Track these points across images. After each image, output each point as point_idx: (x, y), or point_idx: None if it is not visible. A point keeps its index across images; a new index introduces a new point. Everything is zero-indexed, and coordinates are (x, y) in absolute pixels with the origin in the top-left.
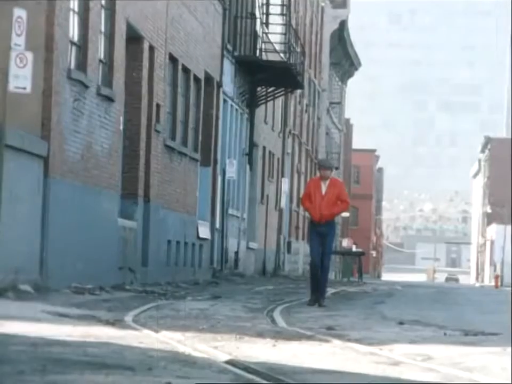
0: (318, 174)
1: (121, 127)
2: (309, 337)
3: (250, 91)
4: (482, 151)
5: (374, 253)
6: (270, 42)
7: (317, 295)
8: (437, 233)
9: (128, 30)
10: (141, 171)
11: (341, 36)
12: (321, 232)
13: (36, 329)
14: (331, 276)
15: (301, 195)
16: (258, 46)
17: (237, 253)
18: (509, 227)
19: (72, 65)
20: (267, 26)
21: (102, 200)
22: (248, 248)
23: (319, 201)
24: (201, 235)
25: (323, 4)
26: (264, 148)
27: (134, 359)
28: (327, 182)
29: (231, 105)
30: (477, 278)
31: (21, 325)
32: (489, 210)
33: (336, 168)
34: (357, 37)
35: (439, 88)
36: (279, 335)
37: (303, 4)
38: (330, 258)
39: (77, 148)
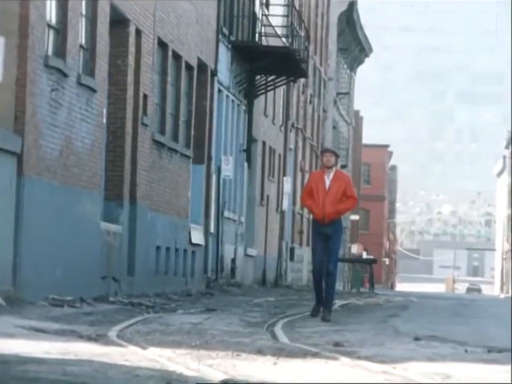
0: (320, 166)
1: (104, 120)
2: (314, 354)
3: (248, 80)
4: (507, 146)
5: (386, 261)
6: (270, 25)
7: (321, 306)
8: (457, 238)
9: (112, 12)
10: (127, 169)
11: (349, 19)
12: (325, 234)
13: (8, 346)
14: (338, 286)
15: None
16: (257, 30)
17: (233, 260)
18: None
19: (50, 52)
20: (267, 8)
21: (83, 202)
22: (246, 255)
23: (322, 197)
24: (193, 240)
25: None
26: (263, 143)
27: (119, 379)
28: (331, 174)
29: (227, 96)
30: (501, 289)
31: None
32: None
33: (344, 166)
34: (367, 19)
35: (458, 77)
36: (281, 352)
37: None
38: (336, 264)
39: (54, 143)
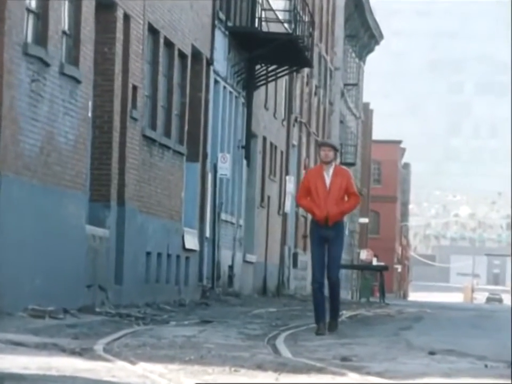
0: (318, 161)
1: (89, 114)
2: (320, 370)
3: (247, 70)
4: None
5: (399, 268)
6: (271, 9)
7: (325, 322)
8: (476, 243)
9: None
10: (114, 168)
11: (358, 2)
12: (327, 237)
13: None
14: (346, 295)
15: None
16: (257, 15)
17: (231, 267)
18: None
19: (29, 39)
20: None
21: (66, 203)
22: (245, 261)
23: (324, 197)
24: (187, 246)
25: None
26: (264, 138)
27: None
28: (331, 170)
29: (224, 87)
30: None
31: None
32: None
33: (352, 164)
34: (377, 3)
35: (477, 66)
36: (283, 367)
37: None
38: (339, 270)
39: (35, 139)
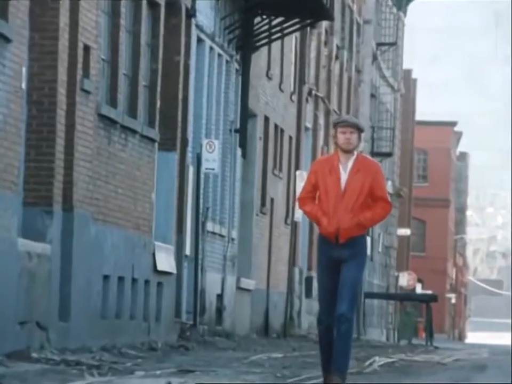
0: (333, 145)
1: (23, 85)
2: None
3: (243, 24)
4: None
5: (452, 298)
6: None
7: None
8: None
9: None
10: (58, 159)
11: None
12: (338, 259)
13: None
14: (380, 335)
15: None
16: None
17: (220, 297)
18: None
19: None
20: None
21: None
22: (239, 288)
23: (335, 201)
24: (160, 267)
25: None
26: (266, 119)
27: None
28: (350, 163)
29: (211, 48)
30: None
31: None
32: None
33: (388, 154)
34: None
35: None
36: None
37: None
38: (354, 305)
39: None
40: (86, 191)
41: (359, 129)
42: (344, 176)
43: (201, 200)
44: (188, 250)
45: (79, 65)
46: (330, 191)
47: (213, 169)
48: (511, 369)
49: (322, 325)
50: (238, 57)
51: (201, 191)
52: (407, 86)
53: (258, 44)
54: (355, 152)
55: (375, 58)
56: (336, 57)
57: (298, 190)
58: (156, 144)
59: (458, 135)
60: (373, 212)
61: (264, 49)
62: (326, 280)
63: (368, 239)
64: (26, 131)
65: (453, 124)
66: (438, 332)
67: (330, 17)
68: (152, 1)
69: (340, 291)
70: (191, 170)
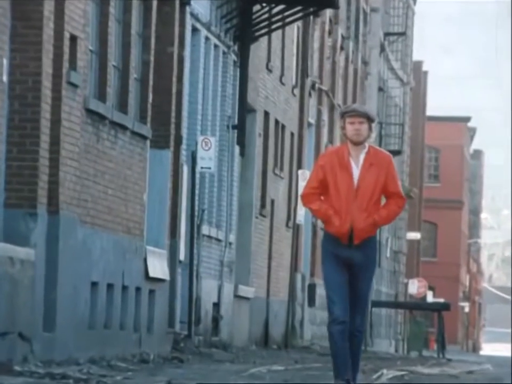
0: (341, 138)
1: (4, 78)
2: None
3: (241, 12)
4: None
5: (466, 307)
6: None
7: (352, 377)
8: None
9: None
10: (43, 157)
11: None
12: (349, 262)
13: None
14: (388, 347)
15: None
16: None
17: (217, 305)
18: None
19: None
20: None
21: None
22: (237, 296)
23: (348, 198)
24: (152, 273)
25: None
26: (266, 114)
27: None
28: (362, 156)
29: (207, 38)
30: None
31: None
32: None
33: (397, 152)
34: None
35: None
36: None
37: None
38: (365, 314)
39: None
40: (72, 191)
41: (370, 119)
42: (356, 172)
43: (196, 202)
44: (182, 256)
45: (65, 57)
46: (342, 188)
47: (209, 168)
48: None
49: (336, 326)
50: (236, 48)
51: (197, 191)
52: (417, 79)
53: (257, 33)
54: (366, 145)
55: (383, 49)
56: (341, 48)
57: (301, 190)
58: (148, 142)
59: (472, 131)
60: (388, 210)
61: (264, 40)
62: (335, 279)
63: None
64: (8, 127)
65: (467, 119)
66: (451, 343)
67: (335, 5)
68: None
69: (353, 302)
70: (185, 170)
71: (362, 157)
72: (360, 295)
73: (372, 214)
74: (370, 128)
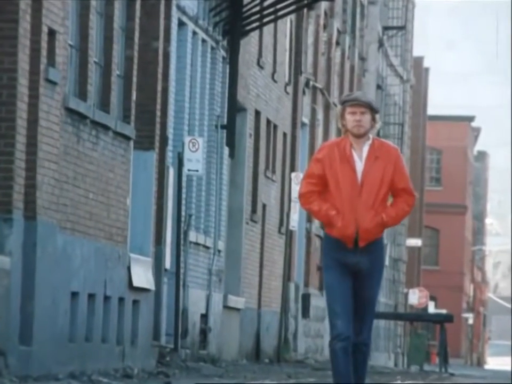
0: (341, 131)
1: None
2: None
3: (230, 5)
4: None
5: (470, 318)
6: None
7: None
8: None
9: None
10: (19, 159)
11: None
12: (354, 268)
13: None
14: (385, 359)
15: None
16: None
17: (205, 316)
18: None
19: None
20: None
21: None
22: (227, 307)
23: (352, 196)
24: (136, 283)
25: None
26: (257, 113)
27: None
28: (366, 149)
29: (194, 33)
30: None
31: None
32: None
33: None
34: None
35: None
36: None
37: None
38: (372, 326)
39: None
40: (51, 195)
41: (373, 110)
42: (359, 165)
43: (183, 207)
44: (168, 264)
45: (43, 52)
46: (344, 184)
47: (197, 170)
48: None
49: (339, 343)
50: (225, 43)
51: (183, 196)
52: (418, 76)
53: (248, 27)
54: (370, 136)
55: (381, 44)
56: (337, 43)
57: (294, 194)
58: (132, 142)
59: (477, 131)
60: (397, 208)
61: (255, 34)
62: (339, 289)
63: None
64: None
65: (471, 118)
66: (454, 356)
67: None
68: None
69: (360, 313)
70: (171, 172)
71: (366, 149)
72: (367, 305)
73: (379, 213)
74: (373, 119)
